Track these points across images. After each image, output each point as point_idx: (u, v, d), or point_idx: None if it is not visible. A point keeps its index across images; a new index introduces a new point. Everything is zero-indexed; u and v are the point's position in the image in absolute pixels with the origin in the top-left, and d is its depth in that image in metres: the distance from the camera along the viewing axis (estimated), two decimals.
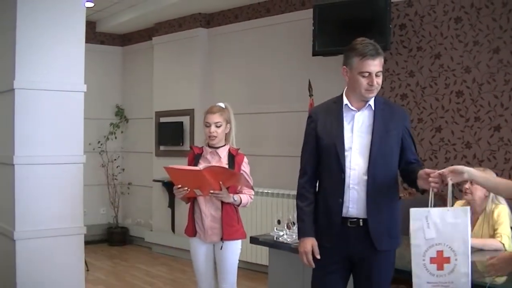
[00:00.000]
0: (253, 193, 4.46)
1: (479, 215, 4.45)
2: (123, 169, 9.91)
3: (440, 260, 2.97)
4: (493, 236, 4.28)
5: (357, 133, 3.30)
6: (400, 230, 3.46)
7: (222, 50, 8.33)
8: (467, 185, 4.45)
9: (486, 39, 5.57)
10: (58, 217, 5.22)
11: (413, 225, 3.01)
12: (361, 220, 3.27)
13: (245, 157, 4.42)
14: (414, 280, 3.00)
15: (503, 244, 4.16)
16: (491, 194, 4.42)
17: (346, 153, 3.28)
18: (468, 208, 3.02)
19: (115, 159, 9.72)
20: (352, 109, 3.33)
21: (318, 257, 3.35)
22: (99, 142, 9.43)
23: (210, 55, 8.48)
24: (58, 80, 5.26)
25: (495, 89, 5.50)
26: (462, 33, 5.71)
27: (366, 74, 3.23)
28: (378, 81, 3.24)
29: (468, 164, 5.57)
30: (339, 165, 3.27)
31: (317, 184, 3.48)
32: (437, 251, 2.96)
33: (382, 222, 3.27)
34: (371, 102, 3.31)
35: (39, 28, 5.19)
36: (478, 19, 5.62)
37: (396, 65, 6.13)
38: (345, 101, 3.35)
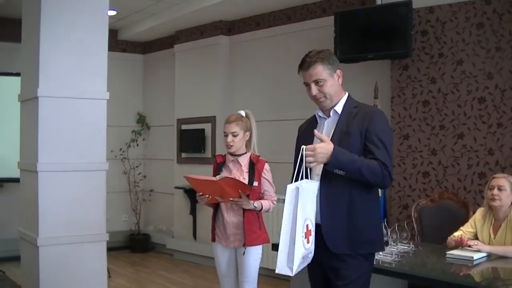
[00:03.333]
0: (275, 198, 4.49)
1: (502, 222, 4.42)
2: (145, 176, 9.94)
3: (308, 233, 3.02)
4: None
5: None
6: (376, 235, 3.36)
7: (243, 58, 8.35)
8: (495, 191, 4.43)
9: (508, 45, 5.54)
10: (81, 223, 5.26)
11: (288, 201, 3.03)
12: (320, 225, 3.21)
13: (266, 163, 4.46)
14: (294, 258, 2.93)
15: None
16: None
17: None
18: (317, 183, 3.12)
19: (136, 166, 9.76)
20: (322, 117, 3.40)
21: None
22: (121, 149, 9.48)
23: (232, 63, 8.51)
24: (81, 88, 5.31)
25: None
26: (484, 39, 5.68)
27: (306, 85, 3.33)
28: (320, 89, 3.28)
29: (491, 171, 5.54)
30: (306, 172, 3.24)
31: None
32: (306, 225, 3.01)
33: (338, 225, 3.19)
34: (338, 107, 3.34)
35: (62, 37, 5.24)
36: (500, 25, 5.59)
37: (418, 71, 6.11)
38: (317, 110, 3.43)
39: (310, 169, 3.17)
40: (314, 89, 3.27)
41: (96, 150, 5.42)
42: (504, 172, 5.28)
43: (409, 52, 5.96)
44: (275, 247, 4.67)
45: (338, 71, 3.36)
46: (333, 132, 3.27)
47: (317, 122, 3.41)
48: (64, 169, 5.20)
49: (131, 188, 9.69)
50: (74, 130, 5.27)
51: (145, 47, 10.16)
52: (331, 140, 3.19)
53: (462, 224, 4.75)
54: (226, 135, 4.43)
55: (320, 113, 3.40)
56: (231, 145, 4.40)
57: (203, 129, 8.58)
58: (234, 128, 4.41)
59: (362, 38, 6.35)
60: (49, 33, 5.16)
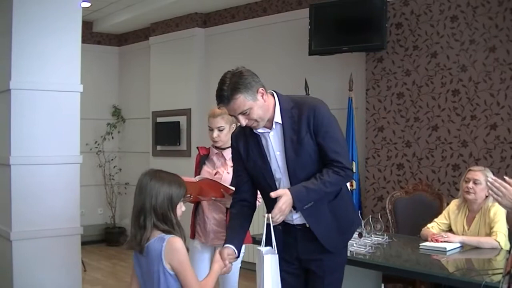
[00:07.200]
0: (260, 195, 4.32)
1: (476, 214, 4.46)
2: (120, 169, 9.89)
3: None
4: (489, 234, 4.29)
5: (277, 154, 3.14)
6: (355, 219, 3.44)
7: (218, 50, 8.32)
8: (470, 185, 4.45)
9: (482, 38, 5.58)
10: (55, 217, 5.21)
11: (257, 265, 3.04)
12: (307, 224, 3.16)
13: None
14: None
15: (499, 242, 4.17)
16: None
17: (276, 177, 3.16)
18: (266, 257, 2.94)
19: (112, 159, 9.71)
20: (264, 132, 3.15)
21: (227, 263, 3.21)
22: (96, 142, 9.42)
23: (207, 55, 8.48)
24: (54, 81, 5.25)
25: (491, 88, 5.51)
26: (458, 31, 5.72)
27: (232, 116, 3.14)
28: (249, 117, 3.02)
29: (465, 162, 5.58)
30: (271, 191, 3.07)
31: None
32: None
33: (326, 224, 3.15)
34: (277, 117, 3.10)
35: (35, 29, 5.17)
36: (474, 18, 5.62)
37: (393, 64, 6.13)
38: None
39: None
40: (243, 120, 3.02)
41: (70, 143, 5.37)
42: (478, 164, 5.33)
43: (383, 44, 5.99)
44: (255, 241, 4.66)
45: (260, 89, 3.07)
46: (285, 145, 3.08)
47: (258, 136, 3.17)
48: (38, 162, 5.14)
49: (106, 181, 9.63)
50: (47, 123, 5.22)
51: (120, 39, 10.09)
52: (285, 152, 3.08)
53: (436, 215, 4.78)
54: (211, 130, 4.21)
55: (261, 130, 3.13)
56: (217, 140, 4.19)
57: (178, 122, 8.55)
58: (220, 122, 4.17)
59: (337, 30, 6.36)
60: (22, 25, 5.10)
